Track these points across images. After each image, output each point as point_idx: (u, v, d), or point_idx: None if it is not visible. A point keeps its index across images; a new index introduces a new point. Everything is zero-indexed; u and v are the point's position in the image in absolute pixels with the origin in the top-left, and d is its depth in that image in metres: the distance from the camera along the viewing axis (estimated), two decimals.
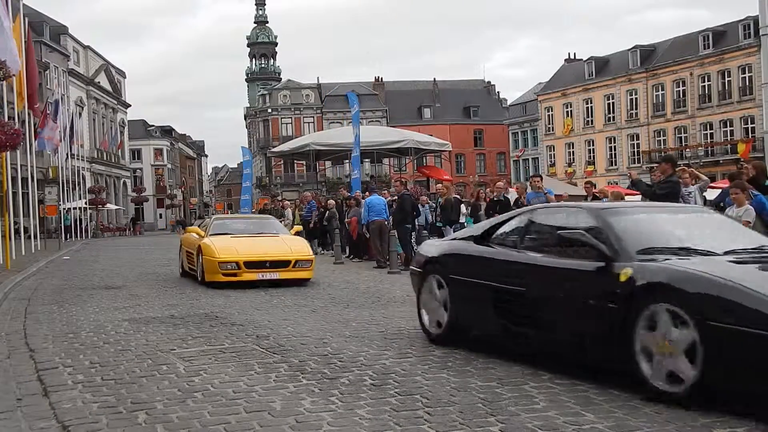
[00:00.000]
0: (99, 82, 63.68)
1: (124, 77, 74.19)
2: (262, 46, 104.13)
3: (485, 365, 5.53)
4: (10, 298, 10.88)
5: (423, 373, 5.28)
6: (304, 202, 23.39)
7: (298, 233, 14.30)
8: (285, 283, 11.79)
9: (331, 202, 21.45)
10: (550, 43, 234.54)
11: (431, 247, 7.10)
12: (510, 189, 15.96)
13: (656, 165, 11.17)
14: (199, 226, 15.06)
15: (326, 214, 20.43)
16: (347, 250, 19.29)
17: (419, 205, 17.30)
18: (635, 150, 59.05)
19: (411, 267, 7.16)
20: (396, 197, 16.75)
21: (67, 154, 37.22)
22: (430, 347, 6.31)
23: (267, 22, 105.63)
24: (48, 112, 29.37)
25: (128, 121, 74.86)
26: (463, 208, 19.02)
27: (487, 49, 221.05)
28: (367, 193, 18.40)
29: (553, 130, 67.04)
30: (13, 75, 17.44)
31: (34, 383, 5.23)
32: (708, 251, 4.97)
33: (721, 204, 11.29)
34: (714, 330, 4.11)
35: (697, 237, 5.32)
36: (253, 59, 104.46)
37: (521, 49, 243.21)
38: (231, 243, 12.14)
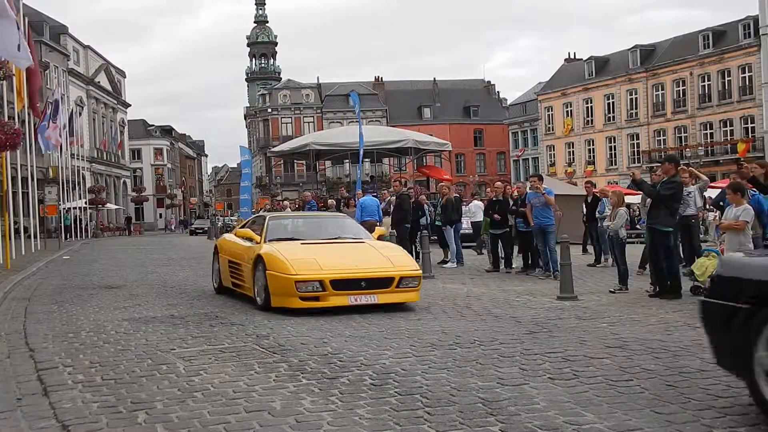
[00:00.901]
0: (99, 82, 63.69)
1: (124, 77, 74.20)
2: (262, 45, 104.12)
3: (485, 365, 5.53)
4: (10, 298, 10.88)
5: (423, 373, 5.27)
6: (304, 201, 23.37)
7: (381, 237, 11.02)
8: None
9: (331, 201, 21.46)
10: (550, 43, 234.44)
11: (761, 264, 4.23)
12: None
13: (658, 165, 11.18)
14: (247, 227, 10.87)
15: None
16: None
17: (424, 205, 17.31)
18: (635, 150, 59.06)
19: (711, 299, 4.34)
20: (394, 197, 16.79)
21: (63, 153, 37.21)
22: (430, 347, 6.30)
23: (267, 22, 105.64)
24: (48, 111, 29.37)
25: (128, 120, 74.89)
26: (481, 205, 19.08)
27: (487, 49, 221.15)
28: (359, 192, 18.44)
29: (553, 130, 67.04)
30: (25, 66, 17.28)
31: (34, 383, 5.23)
32: None
33: (721, 203, 11.33)
34: None
35: None
36: (253, 59, 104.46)
37: (521, 49, 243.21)
38: (308, 253, 8.96)
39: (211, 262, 11.71)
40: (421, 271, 9.33)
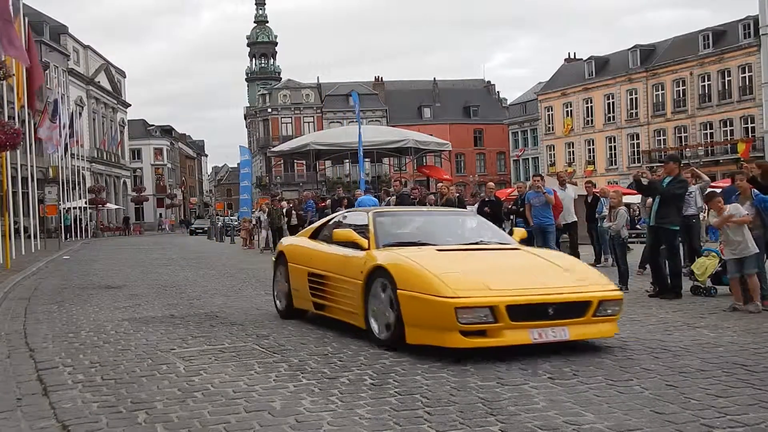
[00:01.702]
0: (99, 82, 63.72)
1: (124, 77, 74.24)
2: (262, 45, 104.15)
3: (485, 365, 5.52)
4: (10, 298, 10.87)
5: (423, 373, 5.27)
6: (303, 201, 23.39)
7: (523, 240, 8.04)
8: None
9: (328, 201, 21.46)
10: (550, 43, 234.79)
11: None
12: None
13: (659, 165, 11.18)
14: (336, 226, 7.78)
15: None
16: None
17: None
18: (635, 150, 59.11)
19: None
20: (394, 197, 16.82)
21: (64, 153, 37.20)
22: (430, 346, 6.29)
23: (267, 22, 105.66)
24: (48, 111, 29.39)
25: (128, 120, 74.96)
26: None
27: (487, 49, 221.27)
28: (358, 192, 18.48)
29: (553, 130, 67.06)
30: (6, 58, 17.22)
31: (34, 383, 5.23)
32: None
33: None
34: None
35: None
36: (253, 59, 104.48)
37: (521, 49, 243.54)
38: (464, 265, 6.27)
39: (272, 276, 8.75)
40: (621, 293, 6.48)
